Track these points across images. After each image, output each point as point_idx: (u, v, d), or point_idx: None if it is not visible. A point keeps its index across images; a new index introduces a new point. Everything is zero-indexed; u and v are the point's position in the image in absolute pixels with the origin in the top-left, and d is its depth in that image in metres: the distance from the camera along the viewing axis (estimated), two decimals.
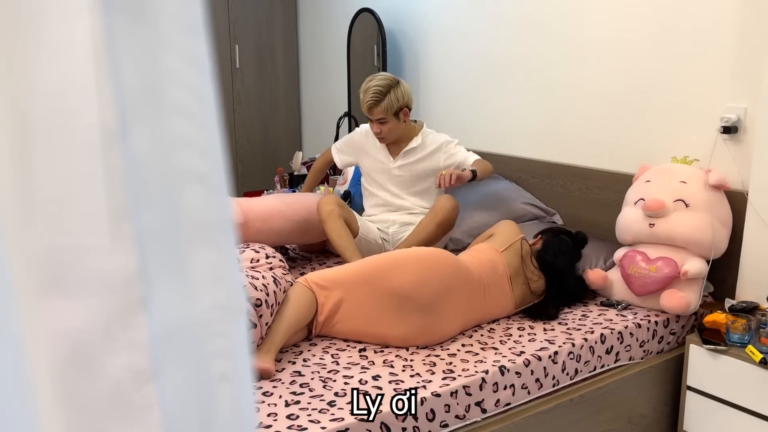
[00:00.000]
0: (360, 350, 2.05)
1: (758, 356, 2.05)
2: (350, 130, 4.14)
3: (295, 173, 4.04)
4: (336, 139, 4.20)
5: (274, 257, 2.35)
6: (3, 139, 0.40)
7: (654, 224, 2.40)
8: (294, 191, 3.73)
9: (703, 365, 2.20)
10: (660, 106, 2.69)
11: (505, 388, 1.93)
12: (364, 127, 2.98)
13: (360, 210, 3.07)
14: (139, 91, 0.42)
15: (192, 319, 0.46)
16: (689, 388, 2.25)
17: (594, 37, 2.89)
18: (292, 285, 2.17)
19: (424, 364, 1.96)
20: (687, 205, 2.37)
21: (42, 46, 0.40)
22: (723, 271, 2.45)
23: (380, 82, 2.73)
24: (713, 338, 2.20)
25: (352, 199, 3.39)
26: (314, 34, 4.72)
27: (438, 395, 1.78)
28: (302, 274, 2.72)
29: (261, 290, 1.96)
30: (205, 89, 0.46)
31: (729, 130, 2.45)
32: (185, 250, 0.45)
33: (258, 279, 1.99)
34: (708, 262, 2.36)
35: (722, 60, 2.47)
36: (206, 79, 0.46)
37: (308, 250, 3.05)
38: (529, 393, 2.00)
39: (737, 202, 2.41)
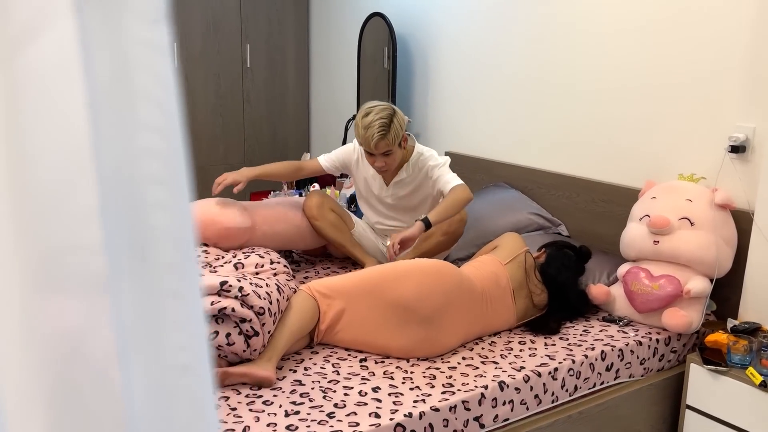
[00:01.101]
0: (361, 360, 2.06)
1: (758, 379, 2.05)
2: None
3: None
4: (344, 142, 4.21)
5: (278, 263, 2.36)
6: None
7: (658, 241, 2.40)
8: (301, 193, 3.75)
9: (703, 385, 2.20)
10: (669, 123, 2.68)
11: (504, 403, 1.94)
12: (357, 150, 2.83)
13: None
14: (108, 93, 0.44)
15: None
16: (689, 407, 2.25)
17: (605, 49, 2.89)
18: (295, 292, 2.18)
19: (424, 376, 1.97)
20: (692, 224, 2.37)
21: (29, 50, 0.41)
22: (726, 290, 2.44)
23: (382, 113, 2.56)
24: (714, 358, 2.20)
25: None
26: (325, 37, 4.73)
27: (437, 410, 1.79)
28: (306, 278, 2.73)
29: (264, 298, 1.97)
30: (172, 106, 0.48)
31: (737, 149, 2.44)
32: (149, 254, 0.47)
33: (262, 287, 2.01)
34: (711, 281, 2.36)
35: (733, 79, 2.47)
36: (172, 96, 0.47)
37: (313, 253, 3.07)
38: (527, 409, 2.00)
39: (743, 221, 2.41)
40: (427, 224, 2.48)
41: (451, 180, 2.66)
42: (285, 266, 2.37)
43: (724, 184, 2.50)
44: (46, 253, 0.43)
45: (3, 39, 0.41)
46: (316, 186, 3.65)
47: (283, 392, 1.85)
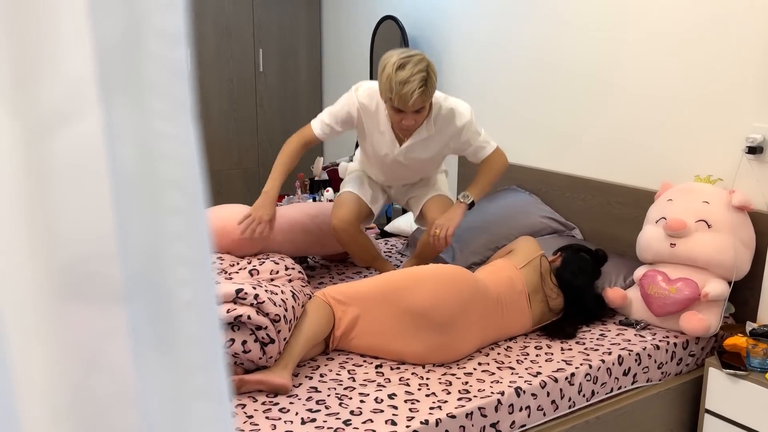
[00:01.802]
0: (376, 366, 2.06)
1: None
2: None
3: (316, 178, 4.07)
4: (357, 146, 4.21)
5: (293, 269, 2.37)
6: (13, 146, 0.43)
7: (675, 244, 2.38)
8: (314, 197, 3.75)
9: (722, 389, 2.18)
10: (685, 123, 2.66)
11: (520, 409, 1.93)
12: (362, 104, 2.49)
13: None
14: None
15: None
16: (708, 411, 2.23)
17: (619, 50, 2.87)
18: (310, 298, 2.19)
19: (440, 383, 1.97)
20: (709, 226, 2.35)
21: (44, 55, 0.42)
22: (745, 292, 2.42)
23: (420, 66, 2.23)
24: (733, 362, 2.18)
25: None
26: (338, 40, 4.73)
27: (453, 416, 1.79)
28: (321, 284, 2.74)
29: (280, 305, 1.97)
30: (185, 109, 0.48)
31: (754, 150, 2.42)
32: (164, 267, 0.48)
33: (277, 294, 2.01)
34: (730, 284, 2.34)
35: (749, 80, 2.44)
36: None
37: (328, 258, 3.07)
38: (544, 415, 1.99)
39: (761, 223, 2.39)
40: (471, 205, 2.45)
41: (485, 145, 2.52)
42: (300, 272, 2.38)
43: (741, 186, 2.47)
44: (64, 262, 0.44)
45: (31, 124, 0.42)
46: (330, 190, 3.66)
47: (299, 399, 1.85)
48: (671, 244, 2.39)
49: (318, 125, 2.53)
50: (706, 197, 2.41)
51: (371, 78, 4.16)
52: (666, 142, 2.74)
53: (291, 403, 1.84)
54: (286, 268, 2.35)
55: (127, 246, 0.44)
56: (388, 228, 3.60)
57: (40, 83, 0.42)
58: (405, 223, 3.48)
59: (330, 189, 3.68)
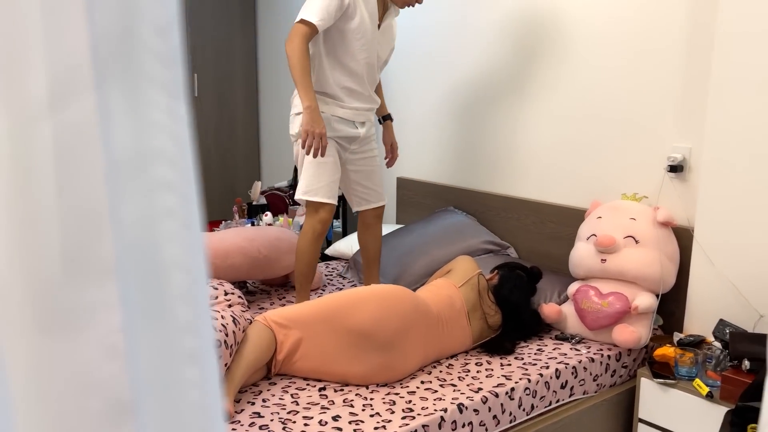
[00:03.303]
0: (320, 389, 2.05)
1: (705, 390, 2.12)
2: None
3: (254, 203, 4.04)
4: (295, 170, 4.22)
5: (232, 293, 2.34)
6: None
7: (606, 260, 2.48)
8: (252, 222, 3.73)
9: (653, 398, 2.27)
10: (611, 145, 2.79)
11: (463, 425, 1.96)
12: None
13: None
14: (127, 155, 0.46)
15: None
16: (641, 420, 2.32)
17: (547, 75, 2.99)
18: (251, 323, 2.17)
19: (384, 402, 1.98)
20: (637, 242, 2.46)
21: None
22: (671, 304, 2.53)
23: None
24: (663, 371, 2.27)
25: None
26: (274, 64, 4.75)
27: None
28: (261, 309, 2.71)
29: (220, 331, 1.95)
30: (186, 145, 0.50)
31: (675, 168, 2.55)
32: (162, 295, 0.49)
33: (217, 319, 1.99)
34: (657, 296, 2.45)
35: (668, 105, 2.59)
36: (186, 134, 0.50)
37: (268, 283, 3.05)
38: (486, 430, 2.03)
39: (683, 238, 2.51)
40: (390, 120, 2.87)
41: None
42: (240, 297, 2.35)
43: (664, 203, 2.60)
44: (56, 243, 0.44)
45: (24, 107, 0.43)
46: (269, 215, 3.64)
47: (242, 425, 1.83)
48: (602, 259, 2.49)
49: (313, 17, 2.37)
50: (633, 214, 2.53)
51: None
52: (594, 162, 2.86)
53: (233, 429, 1.81)
54: (226, 294, 2.33)
55: (119, 222, 0.45)
56: (328, 251, 3.60)
57: (32, 70, 0.42)
58: (345, 246, 3.49)
59: (269, 213, 3.66)
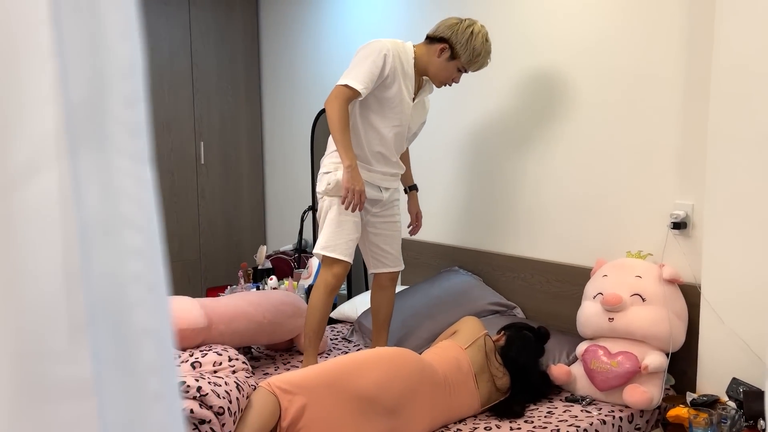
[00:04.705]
0: None
1: None
2: (314, 223, 4.18)
3: (259, 267, 4.05)
4: (300, 232, 4.24)
5: (236, 359, 2.32)
6: None
7: (613, 318, 2.45)
8: (258, 286, 3.72)
9: None
10: (614, 204, 2.80)
11: None
12: (393, 49, 2.55)
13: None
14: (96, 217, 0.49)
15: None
16: None
17: (549, 135, 3.03)
18: (255, 389, 2.14)
19: None
20: (644, 300, 2.44)
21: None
22: (682, 363, 2.49)
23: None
24: None
25: None
26: (278, 131, 4.83)
27: None
28: (266, 374, 2.68)
29: (224, 397, 1.92)
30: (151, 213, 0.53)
31: (678, 225, 2.55)
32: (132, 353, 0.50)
33: (221, 386, 1.96)
34: (667, 355, 2.41)
35: (669, 163, 2.61)
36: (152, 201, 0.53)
37: (273, 348, 3.02)
38: None
39: (691, 295, 2.49)
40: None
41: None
42: (244, 363, 2.33)
43: (669, 260, 2.59)
44: (33, 362, 0.46)
45: (4, 175, 0.46)
46: (274, 279, 3.64)
47: None
48: (609, 318, 2.46)
49: (358, 84, 2.47)
50: (639, 272, 2.51)
51: (312, 166, 4.23)
52: (597, 221, 2.86)
53: None
54: (230, 359, 2.30)
55: (90, 281, 0.47)
56: (333, 314, 3.58)
57: (11, 140, 0.45)
58: (350, 308, 3.47)
59: (273, 277, 3.66)
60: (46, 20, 0.44)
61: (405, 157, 2.90)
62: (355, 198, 2.49)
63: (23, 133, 0.45)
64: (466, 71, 2.68)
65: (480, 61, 2.65)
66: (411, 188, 2.99)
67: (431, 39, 2.64)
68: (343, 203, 2.51)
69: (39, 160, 0.45)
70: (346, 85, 2.48)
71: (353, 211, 2.52)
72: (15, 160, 0.45)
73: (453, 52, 2.60)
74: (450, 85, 2.74)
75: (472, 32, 2.58)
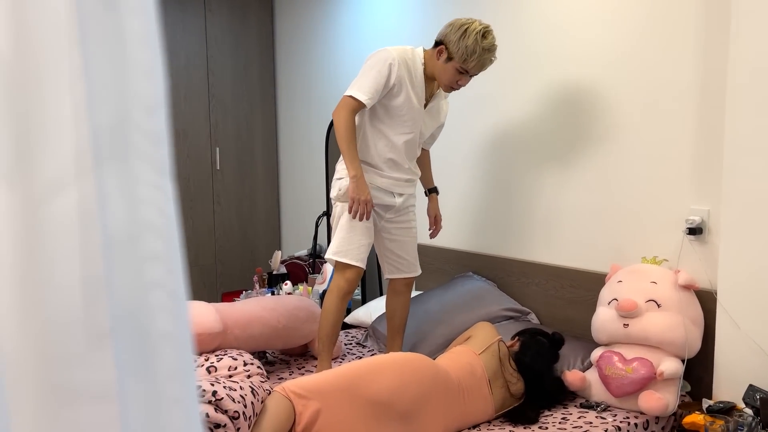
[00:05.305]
0: None
1: None
2: (329, 228, 4.20)
3: (274, 272, 4.07)
4: (315, 237, 4.26)
5: (251, 364, 2.34)
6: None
7: (628, 324, 2.44)
8: (273, 291, 3.74)
9: None
10: (629, 209, 2.79)
11: None
12: (399, 57, 2.55)
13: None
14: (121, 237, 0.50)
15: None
16: None
17: (563, 140, 3.02)
18: (270, 393, 2.15)
19: None
20: (659, 305, 2.43)
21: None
22: (699, 369, 2.47)
23: (493, 34, 2.54)
24: None
25: None
26: (293, 137, 4.86)
27: None
28: (281, 379, 2.69)
29: (239, 402, 1.94)
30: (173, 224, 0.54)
31: (694, 231, 2.54)
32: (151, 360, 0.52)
33: (236, 390, 1.98)
34: (683, 361, 2.39)
35: (685, 167, 2.60)
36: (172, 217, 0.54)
37: (288, 353, 3.04)
38: None
39: (707, 301, 2.47)
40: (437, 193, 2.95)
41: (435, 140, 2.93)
42: (259, 367, 2.34)
43: (685, 265, 2.57)
44: (58, 367, 0.48)
45: (31, 192, 0.47)
46: (288, 284, 3.66)
47: None
48: (624, 324, 2.45)
49: (363, 95, 2.50)
50: (654, 278, 2.50)
51: (326, 172, 4.26)
52: (612, 226, 2.85)
53: None
54: (245, 364, 2.32)
55: (114, 288, 0.48)
56: (347, 319, 3.59)
57: (42, 156, 0.47)
58: (365, 313, 3.48)
59: (288, 282, 3.67)
60: (74, 40, 0.46)
61: (425, 160, 2.92)
62: (360, 207, 2.51)
63: (54, 148, 0.47)
64: (468, 72, 2.58)
65: (476, 60, 2.51)
66: (431, 191, 3.00)
67: (435, 42, 2.64)
68: (349, 212, 2.55)
69: (69, 174, 0.47)
70: (351, 96, 2.52)
71: (360, 220, 2.54)
72: (47, 174, 0.47)
73: (448, 52, 2.55)
74: (456, 89, 2.67)
75: (465, 31, 2.50)
